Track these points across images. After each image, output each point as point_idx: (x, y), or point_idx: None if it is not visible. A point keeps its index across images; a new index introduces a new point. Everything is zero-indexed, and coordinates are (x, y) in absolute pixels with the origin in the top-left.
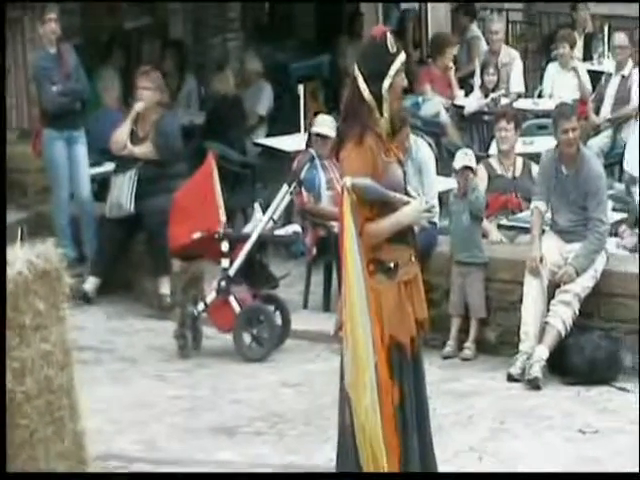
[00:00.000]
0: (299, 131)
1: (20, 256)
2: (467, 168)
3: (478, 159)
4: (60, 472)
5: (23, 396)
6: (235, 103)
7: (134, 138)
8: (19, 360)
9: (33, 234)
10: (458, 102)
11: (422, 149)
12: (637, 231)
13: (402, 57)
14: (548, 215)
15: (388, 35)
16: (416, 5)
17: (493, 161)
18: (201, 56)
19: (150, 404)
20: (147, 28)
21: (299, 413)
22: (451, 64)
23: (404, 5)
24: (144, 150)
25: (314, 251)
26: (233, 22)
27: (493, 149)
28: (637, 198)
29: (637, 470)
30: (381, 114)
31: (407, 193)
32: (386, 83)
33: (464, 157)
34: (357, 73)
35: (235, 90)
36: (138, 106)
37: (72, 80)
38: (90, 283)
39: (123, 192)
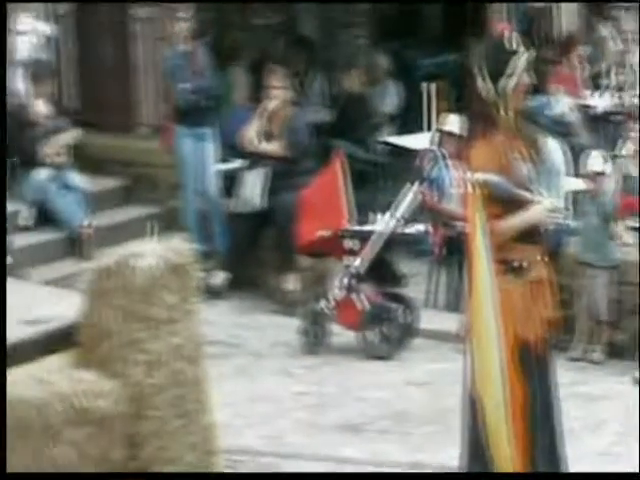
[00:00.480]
0: (425, 129)
1: (152, 250)
2: (598, 172)
3: (607, 159)
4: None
5: (153, 389)
6: (362, 101)
7: (264, 135)
8: (149, 353)
9: (164, 229)
10: (586, 102)
11: (551, 149)
12: None
13: (528, 56)
14: None
15: (510, 33)
16: (546, 4)
17: (623, 162)
18: (329, 53)
19: (276, 399)
20: (276, 25)
21: (424, 412)
22: (579, 63)
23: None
24: (274, 147)
25: (440, 250)
26: (361, 19)
27: (622, 149)
28: None
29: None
30: (506, 112)
31: (534, 192)
32: (511, 82)
33: (596, 160)
34: (480, 71)
35: (362, 88)
36: (268, 104)
37: (202, 78)
38: (219, 278)
39: (253, 188)
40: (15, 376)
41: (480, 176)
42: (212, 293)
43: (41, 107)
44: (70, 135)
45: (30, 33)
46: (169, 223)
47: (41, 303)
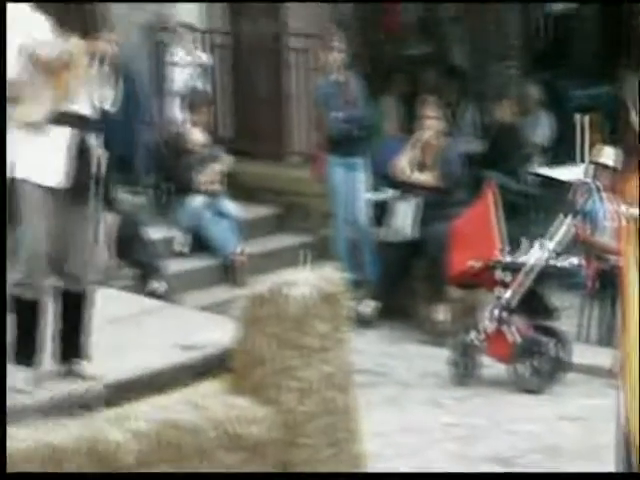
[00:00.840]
0: (578, 161)
1: (305, 279)
2: None
3: None
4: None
5: (305, 416)
6: (514, 132)
7: (416, 165)
8: (302, 380)
9: (315, 257)
10: None
11: None
12: None
13: None
14: None
15: None
16: None
17: None
18: (481, 84)
19: (426, 430)
20: (428, 56)
21: (576, 447)
22: None
23: None
24: (427, 177)
25: (593, 283)
26: (513, 50)
27: None
28: None
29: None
30: None
31: None
32: None
33: None
34: (634, 104)
35: (514, 118)
36: (422, 134)
37: (355, 107)
38: (369, 307)
39: (405, 218)
40: (170, 400)
41: (635, 210)
42: (362, 322)
43: (197, 135)
44: (224, 163)
45: (187, 64)
46: (320, 252)
47: (196, 329)
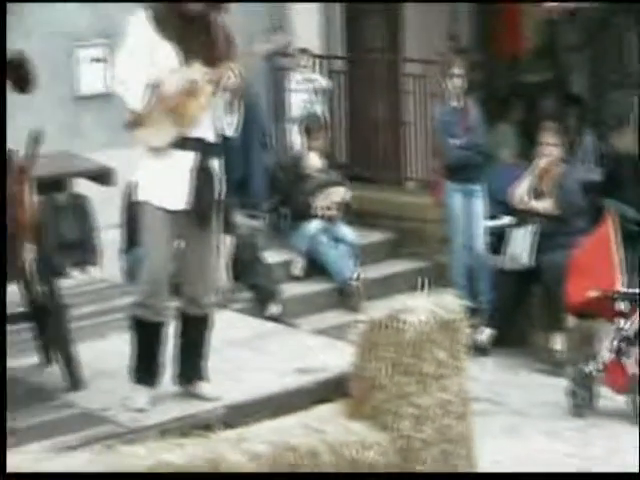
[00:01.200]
0: None
1: (422, 305)
2: None
3: None
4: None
5: (421, 443)
6: (634, 161)
7: (535, 193)
8: (418, 407)
9: (431, 283)
10: None
11: None
12: None
13: None
14: None
15: None
16: None
17: None
18: (600, 111)
19: (542, 459)
20: (547, 82)
21: None
22: None
23: None
24: (545, 205)
25: None
26: (632, 77)
27: None
28: None
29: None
30: None
31: None
32: None
33: None
34: None
35: (633, 147)
36: (542, 161)
37: (474, 134)
38: (485, 334)
39: (522, 245)
40: (287, 423)
41: None
42: (477, 349)
43: (314, 160)
44: (341, 188)
45: (304, 89)
46: (436, 278)
47: (313, 353)
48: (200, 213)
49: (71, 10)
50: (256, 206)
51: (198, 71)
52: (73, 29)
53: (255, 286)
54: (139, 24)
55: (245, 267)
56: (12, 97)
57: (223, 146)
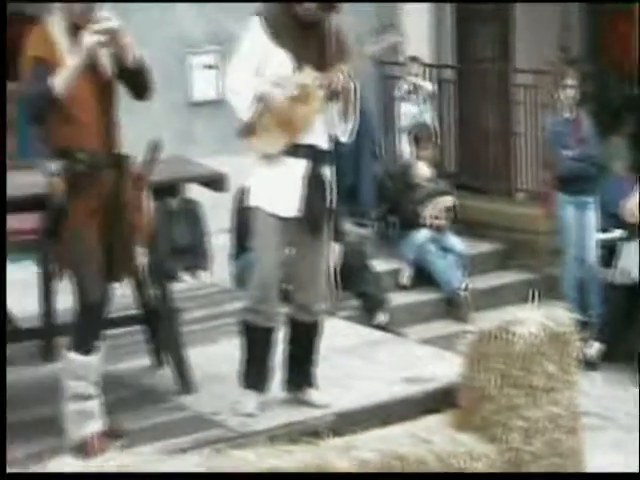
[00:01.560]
0: None
1: (532, 317)
2: None
3: None
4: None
5: (530, 456)
6: None
7: None
8: (528, 420)
9: (541, 295)
10: None
11: None
12: None
13: None
14: None
15: None
16: None
17: None
18: None
19: None
20: None
21: None
22: None
23: None
24: None
25: None
26: None
27: None
28: None
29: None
30: None
31: None
32: None
33: None
34: None
35: None
36: None
37: (586, 146)
38: (594, 349)
39: (633, 260)
40: (395, 432)
41: None
42: (586, 364)
43: (423, 169)
44: (450, 198)
45: (413, 98)
46: (546, 290)
47: (421, 362)
48: (311, 220)
49: (184, 17)
50: (365, 214)
51: (309, 76)
52: (186, 36)
53: (363, 294)
54: (253, 30)
55: (353, 275)
56: (130, 103)
57: (334, 153)
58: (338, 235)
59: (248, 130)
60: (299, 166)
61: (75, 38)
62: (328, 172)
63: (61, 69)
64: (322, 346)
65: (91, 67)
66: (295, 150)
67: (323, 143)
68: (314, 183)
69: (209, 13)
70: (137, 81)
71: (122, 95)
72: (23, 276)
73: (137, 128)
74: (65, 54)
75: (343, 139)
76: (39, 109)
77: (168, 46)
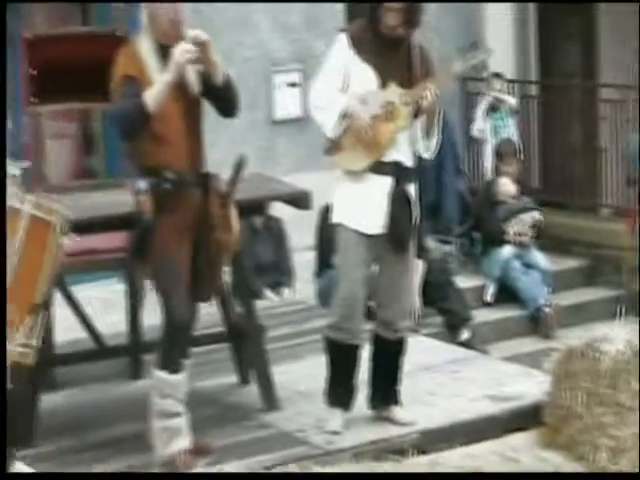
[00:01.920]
0: None
1: (619, 334)
2: None
3: None
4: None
5: None
6: None
7: None
8: (615, 439)
9: (627, 312)
10: None
11: None
12: None
13: None
14: None
15: None
16: None
17: None
18: None
19: None
20: None
21: None
22: None
23: None
24: None
25: None
26: None
27: None
28: None
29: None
30: None
31: None
32: None
33: None
34: None
35: None
36: None
37: None
38: None
39: None
40: (479, 450)
41: None
42: None
43: (507, 186)
44: (534, 214)
45: (497, 115)
46: (631, 307)
47: (506, 380)
48: (396, 238)
49: (268, 36)
50: (448, 231)
51: (394, 93)
52: (270, 55)
53: (447, 311)
54: (339, 47)
55: (437, 292)
56: (213, 121)
57: (417, 169)
58: (421, 252)
59: (334, 147)
60: (384, 183)
61: (163, 58)
62: (412, 189)
63: (151, 86)
64: (406, 363)
65: (179, 85)
66: (380, 167)
67: (407, 160)
68: (399, 200)
69: (292, 32)
70: (225, 99)
71: (207, 114)
72: (109, 294)
73: (220, 146)
74: (154, 73)
75: (426, 156)
76: (131, 125)
77: (252, 65)
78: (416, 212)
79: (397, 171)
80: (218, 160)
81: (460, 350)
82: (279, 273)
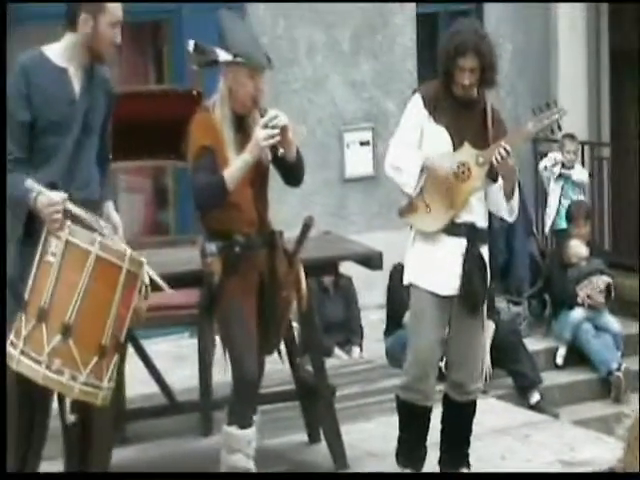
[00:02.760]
0: None
1: None
2: None
3: None
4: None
5: None
6: None
7: None
8: None
9: None
10: None
11: None
12: None
13: None
14: None
15: None
16: None
17: None
18: None
19: None
20: None
21: None
22: None
23: None
24: None
25: None
26: None
27: None
28: None
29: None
30: None
31: None
32: None
33: None
34: None
35: None
36: None
37: None
38: None
39: None
40: None
41: None
42: None
43: (578, 248)
44: (605, 277)
45: (567, 176)
46: None
47: (578, 445)
48: (470, 299)
49: (340, 96)
50: (519, 292)
51: (468, 153)
52: (341, 114)
53: (517, 373)
54: (414, 108)
55: (507, 353)
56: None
57: (489, 230)
58: (492, 313)
59: (408, 208)
60: (458, 244)
61: (239, 127)
62: (486, 250)
63: (231, 161)
64: (476, 425)
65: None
66: (454, 228)
67: (481, 221)
68: (473, 261)
69: (364, 90)
70: (293, 173)
71: (276, 173)
72: (180, 348)
73: (291, 204)
74: (230, 142)
75: (509, 219)
76: (210, 200)
77: (324, 123)
78: (489, 274)
79: (471, 232)
80: (288, 218)
81: (530, 413)
82: (349, 332)
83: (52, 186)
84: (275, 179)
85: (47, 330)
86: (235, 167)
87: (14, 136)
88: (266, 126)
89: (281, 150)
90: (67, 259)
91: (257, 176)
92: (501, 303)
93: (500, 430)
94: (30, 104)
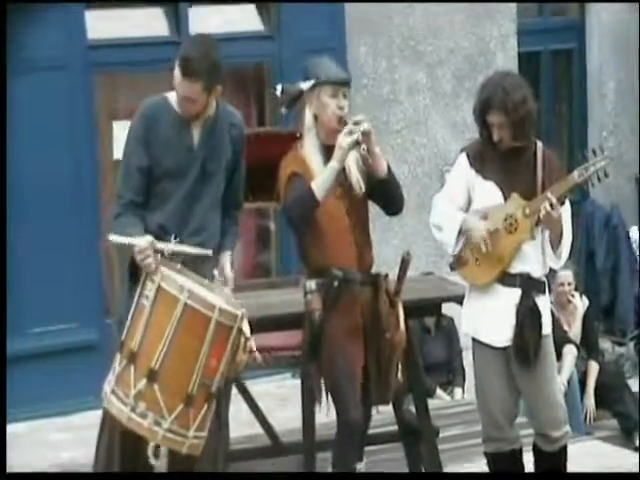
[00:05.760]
0: None
1: None
2: None
3: None
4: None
5: None
6: None
7: None
8: None
9: None
10: None
11: None
12: None
13: None
14: None
15: None
16: None
17: None
18: None
19: None
20: None
21: None
22: None
23: None
24: None
25: None
26: None
27: None
28: None
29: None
30: None
31: None
32: None
33: None
34: None
35: None
36: None
37: None
38: None
39: None
40: None
41: None
42: None
43: None
44: None
45: None
46: None
47: None
48: (522, 351)
49: (440, 133)
50: (623, 333)
51: (516, 205)
52: (442, 153)
53: (621, 414)
54: (460, 166)
55: (611, 394)
56: (389, 220)
57: (589, 271)
58: (595, 353)
59: (458, 262)
60: (512, 294)
61: (327, 156)
62: (543, 300)
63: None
64: (580, 467)
65: (343, 184)
66: (507, 278)
67: (536, 271)
68: (527, 312)
69: (465, 130)
70: (389, 193)
71: (378, 214)
72: (283, 389)
73: (392, 245)
74: (319, 170)
75: (555, 266)
76: (301, 210)
77: (425, 163)
78: (546, 324)
79: (525, 283)
80: (390, 259)
81: (635, 455)
82: (450, 372)
83: (162, 229)
84: (376, 220)
85: (135, 373)
86: (322, 177)
87: (129, 180)
88: (350, 132)
89: (363, 146)
90: (158, 304)
91: (351, 206)
92: (605, 344)
93: (604, 473)
94: (148, 150)
